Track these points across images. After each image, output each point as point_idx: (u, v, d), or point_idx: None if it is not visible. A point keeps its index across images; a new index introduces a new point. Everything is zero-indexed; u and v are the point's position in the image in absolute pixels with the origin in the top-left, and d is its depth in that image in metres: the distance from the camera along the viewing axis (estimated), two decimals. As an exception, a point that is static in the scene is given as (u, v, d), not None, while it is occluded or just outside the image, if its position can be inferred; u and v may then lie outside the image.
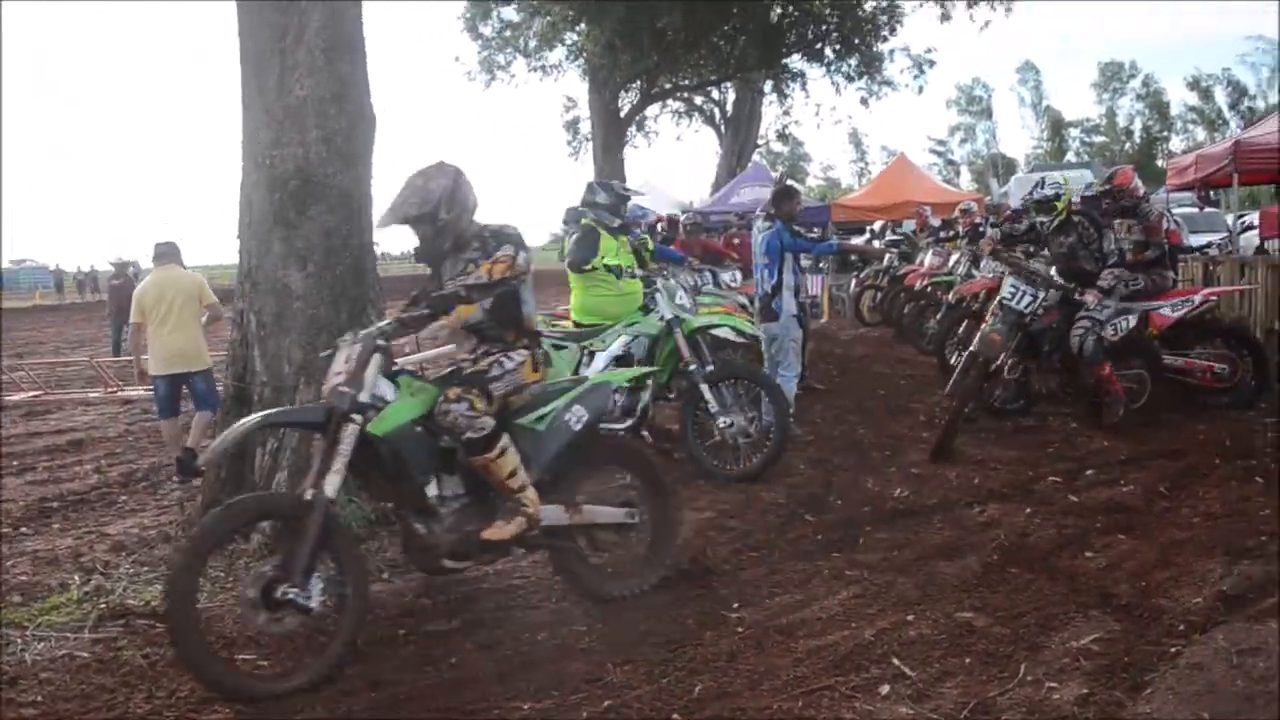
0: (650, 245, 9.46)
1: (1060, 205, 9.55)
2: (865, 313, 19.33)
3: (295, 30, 6.46)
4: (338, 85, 6.58)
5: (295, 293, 6.54)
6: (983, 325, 9.08)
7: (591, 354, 8.41)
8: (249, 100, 6.65)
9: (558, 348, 8.48)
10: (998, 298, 8.98)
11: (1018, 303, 8.77)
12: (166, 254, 9.43)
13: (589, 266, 8.48)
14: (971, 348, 8.78)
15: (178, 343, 9.05)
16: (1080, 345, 8.85)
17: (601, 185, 9.02)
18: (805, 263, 10.46)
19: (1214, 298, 9.94)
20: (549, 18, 25.64)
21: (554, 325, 9.52)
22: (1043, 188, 9.80)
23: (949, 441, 8.42)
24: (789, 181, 13.77)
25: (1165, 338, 9.61)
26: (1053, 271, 9.31)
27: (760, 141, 39.70)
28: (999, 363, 8.87)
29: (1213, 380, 9.52)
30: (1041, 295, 8.82)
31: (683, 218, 17.71)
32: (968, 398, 8.79)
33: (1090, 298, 8.93)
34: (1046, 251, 10.02)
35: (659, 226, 16.78)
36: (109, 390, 14.65)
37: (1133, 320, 9.13)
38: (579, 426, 5.33)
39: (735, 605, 5.32)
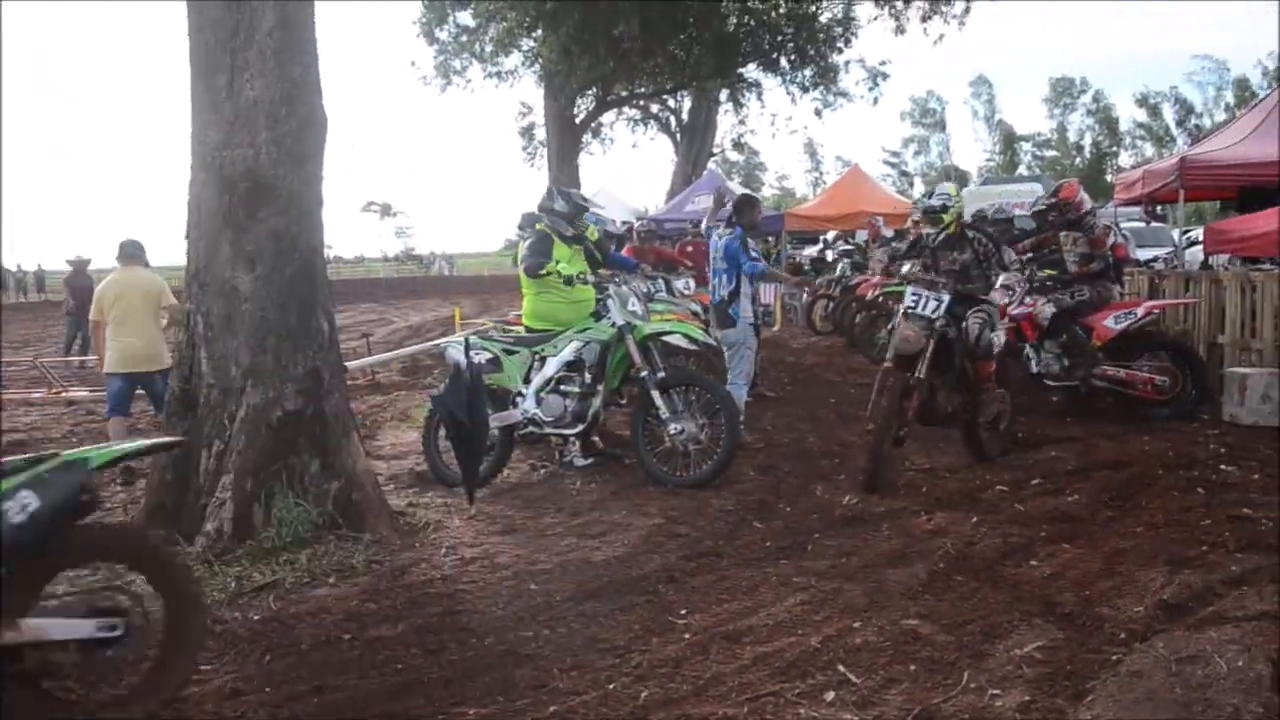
0: (594, 236, 9.32)
1: (948, 218, 8.76)
2: (817, 321, 19.45)
3: (246, 30, 6.39)
4: (289, 87, 6.52)
5: (244, 295, 6.46)
6: (893, 332, 8.55)
7: (543, 359, 8.42)
8: (198, 100, 6.57)
9: (509, 353, 8.50)
10: (902, 307, 8.51)
11: (923, 308, 8.16)
12: (131, 254, 9.44)
13: (543, 272, 8.46)
14: (885, 361, 8.41)
15: (136, 343, 9.04)
16: (978, 335, 8.23)
17: (561, 193, 9.01)
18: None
19: (1156, 310, 10.10)
20: (505, 23, 25.57)
21: (506, 330, 9.51)
22: (930, 198, 9.11)
23: (881, 472, 7.76)
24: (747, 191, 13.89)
25: (1109, 349, 9.77)
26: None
27: (716, 150, 39.92)
28: (919, 375, 8.07)
29: (1154, 392, 9.69)
30: (946, 299, 8.16)
31: (636, 225, 17.72)
32: (890, 420, 7.95)
33: (998, 294, 8.66)
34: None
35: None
36: (53, 391, 14.46)
37: (1003, 337, 8.80)
38: (19, 519, 3.89)
39: (683, 612, 5.33)
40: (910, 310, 8.24)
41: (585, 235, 9.10)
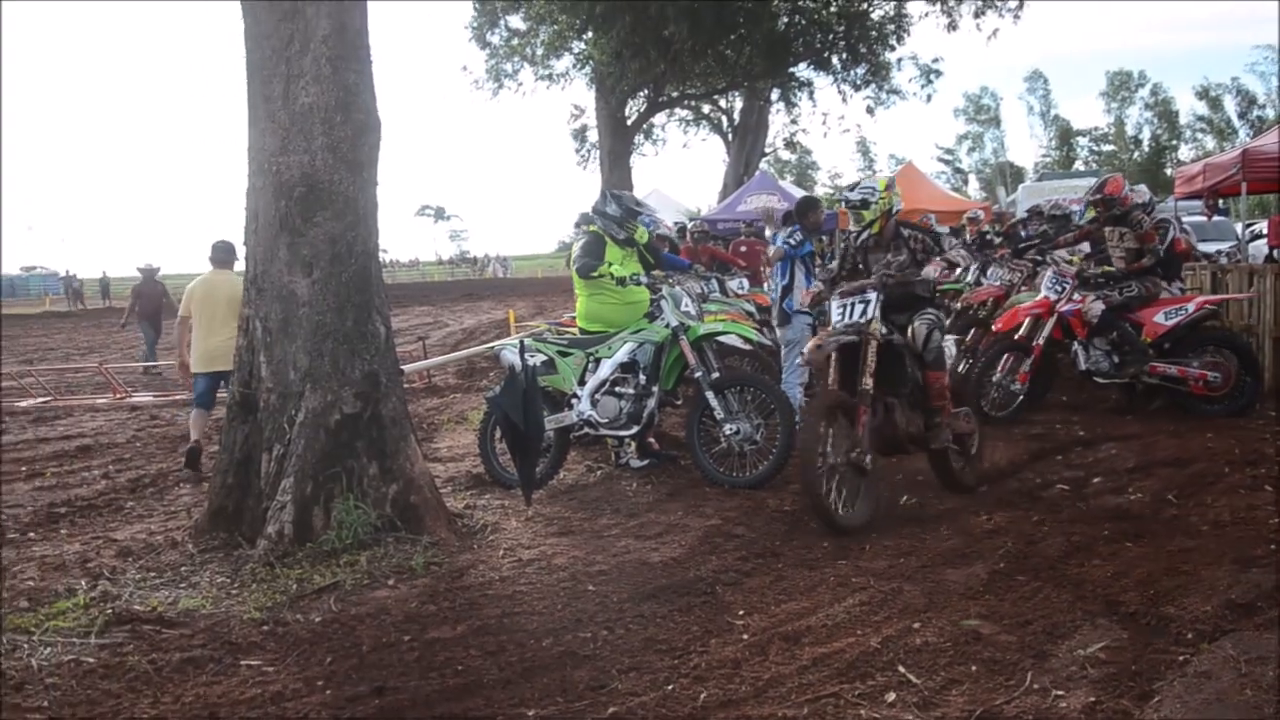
0: (644, 239, 9.32)
1: (869, 215, 7.50)
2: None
3: (301, 38, 6.47)
4: (343, 93, 6.58)
5: (301, 299, 6.54)
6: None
7: (597, 361, 8.43)
8: (255, 108, 6.66)
9: (563, 355, 8.52)
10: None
11: (851, 316, 7.06)
12: (223, 257, 9.78)
13: (595, 274, 8.48)
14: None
15: (221, 343, 9.18)
16: (925, 339, 7.11)
17: (613, 195, 9.02)
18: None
19: (1208, 306, 9.94)
20: (556, 26, 25.66)
21: (560, 332, 9.54)
22: (852, 190, 7.77)
23: (825, 512, 6.60)
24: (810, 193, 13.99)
25: (1160, 345, 9.64)
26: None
27: (768, 149, 39.74)
28: (864, 388, 6.91)
29: (1206, 388, 9.54)
30: (873, 297, 7.06)
31: (689, 225, 17.70)
32: (813, 448, 6.59)
33: (931, 269, 7.34)
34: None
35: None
36: (117, 396, 14.70)
37: (953, 349, 8.10)
38: None
39: (741, 612, 5.31)
40: (838, 326, 7.15)
41: (635, 239, 9.11)
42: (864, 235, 7.68)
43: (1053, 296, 10.06)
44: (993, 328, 10.80)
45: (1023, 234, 14.70)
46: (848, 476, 6.80)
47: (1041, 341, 9.93)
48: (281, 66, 6.52)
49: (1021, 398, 9.88)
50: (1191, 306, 9.76)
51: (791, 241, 10.00)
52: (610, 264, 8.51)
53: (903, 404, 7.19)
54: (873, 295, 7.06)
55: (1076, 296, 9.96)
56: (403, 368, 8.48)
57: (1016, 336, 10.14)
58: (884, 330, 7.02)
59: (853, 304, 7.09)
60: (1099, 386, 10.30)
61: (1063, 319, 9.94)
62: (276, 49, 6.53)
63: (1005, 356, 10.06)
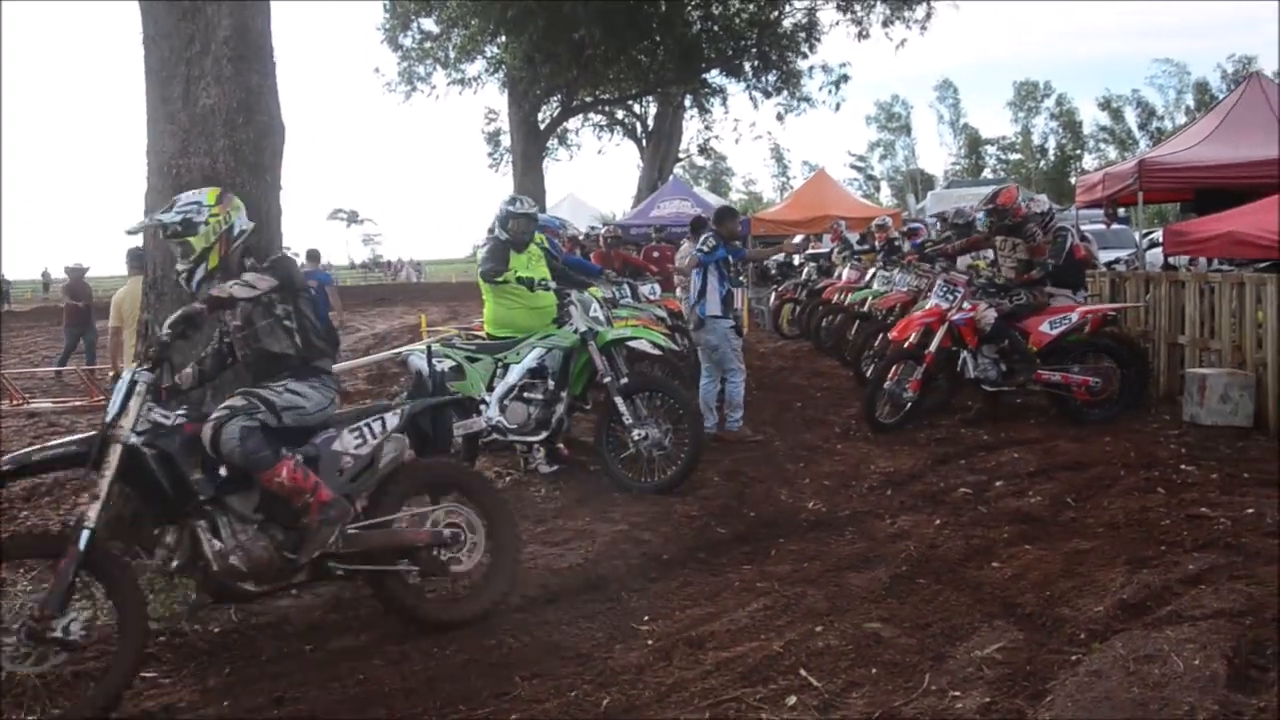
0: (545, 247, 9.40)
1: (198, 244, 5.18)
2: (784, 325, 19.49)
3: (202, 39, 6.35)
4: (246, 95, 6.48)
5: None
6: None
7: (506, 367, 8.39)
8: (154, 108, 6.52)
9: (472, 360, 8.47)
10: None
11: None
12: (138, 264, 9.33)
13: (500, 279, 8.44)
14: None
15: None
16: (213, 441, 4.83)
17: (512, 204, 8.94)
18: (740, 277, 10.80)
19: (1090, 315, 10.15)
20: (468, 30, 25.50)
21: (470, 337, 9.49)
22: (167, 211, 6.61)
23: None
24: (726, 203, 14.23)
25: (1044, 353, 9.83)
26: None
27: (682, 155, 39.99)
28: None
29: (1087, 394, 9.76)
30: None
31: (602, 230, 17.73)
32: None
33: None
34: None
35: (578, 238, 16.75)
36: (14, 403, 14.30)
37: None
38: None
39: (645, 618, 5.33)
40: None
41: (555, 243, 9.12)
42: (198, 276, 5.23)
43: (944, 305, 10.15)
44: (889, 336, 10.94)
45: (909, 242, 14.99)
46: None
47: (933, 349, 9.96)
48: (181, 67, 6.40)
49: (910, 405, 9.97)
50: (1075, 316, 9.98)
51: (704, 248, 10.08)
52: (514, 269, 8.49)
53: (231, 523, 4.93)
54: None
55: (967, 305, 10.04)
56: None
57: (907, 345, 10.25)
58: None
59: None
60: (981, 395, 10.47)
61: (954, 327, 10.01)
62: (176, 49, 6.41)
63: (896, 365, 10.20)
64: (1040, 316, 10.00)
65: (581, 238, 14.45)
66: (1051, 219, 10.58)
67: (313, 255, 18.67)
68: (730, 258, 10.28)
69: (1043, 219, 10.39)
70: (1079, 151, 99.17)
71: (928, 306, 10.52)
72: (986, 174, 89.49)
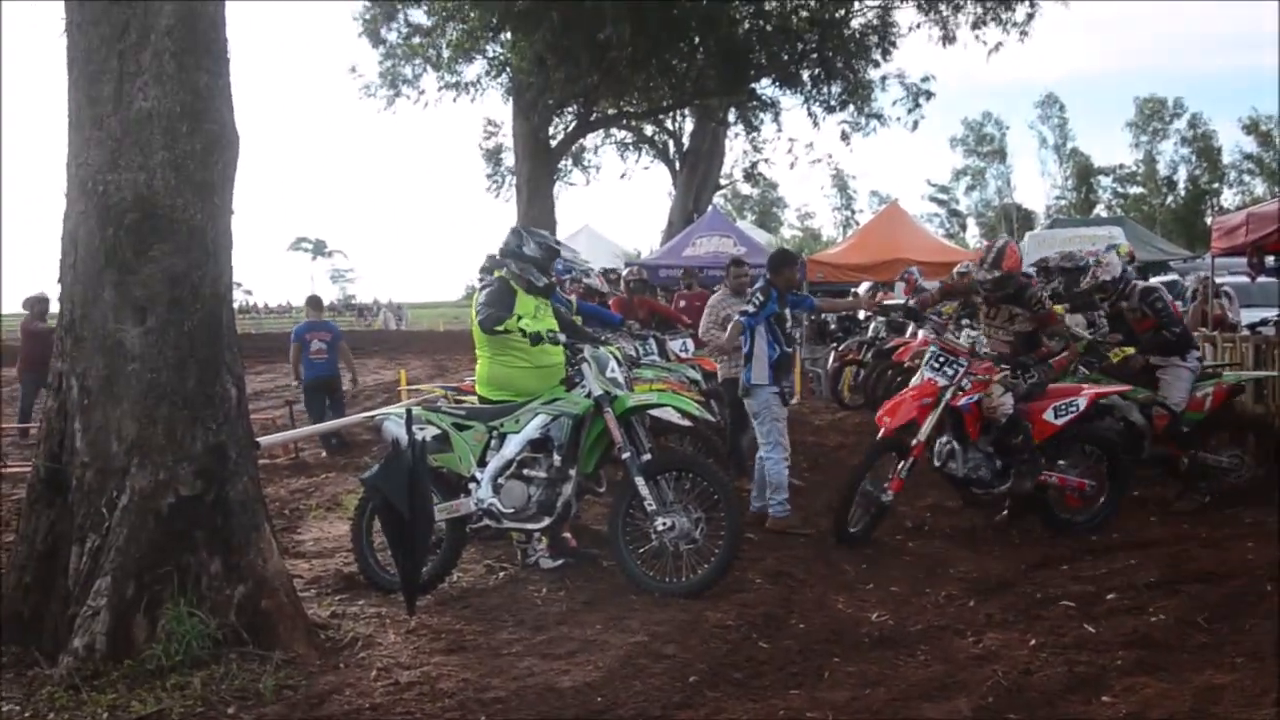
0: (574, 308, 9.54)
1: None
2: (845, 393, 19.44)
3: (139, 28, 6.40)
4: (191, 98, 6.53)
5: (130, 351, 6.43)
6: None
7: (502, 437, 8.36)
8: (78, 112, 6.56)
9: (460, 428, 8.47)
10: None
11: None
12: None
13: (500, 328, 8.41)
14: None
15: None
16: None
17: (530, 233, 9.00)
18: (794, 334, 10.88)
19: (1101, 399, 10.02)
20: (466, 24, 25.70)
21: (458, 400, 9.50)
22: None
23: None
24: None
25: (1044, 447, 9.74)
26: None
27: (723, 181, 40.24)
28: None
29: (1077, 499, 9.80)
30: None
31: (624, 272, 17.77)
32: None
33: None
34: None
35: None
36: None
37: None
38: None
39: (667, 754, 5.28)
40: None
41: (556, 288, 9.14)
42: None
43: (941, 381, 9.65)
44: (878, 420, 10.14)
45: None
46: None
47: (923, 438, 9.54)
48: (113, 61, 6.45)
49: (882, 510, 9.65)
50: (1083, 402, 9.78)
51: (750, 308, 10.12)
52: (520, 317, 8.47)
53: None
54: None
55: (968, 383, 9.63)
56: (259, 439, 8.39)
57: (882, 433, 9.80)
58: None
59: None
60: (973, 498, 10.33)
61: (954, 413, 9.64)
62: (106, 39, 6.45)
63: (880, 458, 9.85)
64: (1045, 401, 9.81)
65: (600, 286, 14.38)
66: (1127, 287, 10.55)
67: (314, 303, 18.53)
68: (789, 311, 10.29)
69: (1111, 287, 10.36)
70: (1217, 185, 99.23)
71: (918, 384, 9.99)
72: (1100, 211, 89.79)
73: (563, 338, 8.56)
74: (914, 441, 9.53)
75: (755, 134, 35.39)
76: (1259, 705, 5.68)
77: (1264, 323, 18.44)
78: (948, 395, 9.51)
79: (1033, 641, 6.80)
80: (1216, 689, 5.94)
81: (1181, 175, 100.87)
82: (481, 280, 9.76)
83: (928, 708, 5.79)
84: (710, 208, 32.48)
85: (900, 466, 9.49)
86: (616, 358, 8.79)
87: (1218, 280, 15.50)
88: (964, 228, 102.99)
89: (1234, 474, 10.66)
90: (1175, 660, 6.45)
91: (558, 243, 9.24)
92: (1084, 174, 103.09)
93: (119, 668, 6.10)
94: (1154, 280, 29.56)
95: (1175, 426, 9.93)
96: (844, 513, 9.48)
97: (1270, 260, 19.11)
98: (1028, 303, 10.04)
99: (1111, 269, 10.61)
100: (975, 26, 27.99)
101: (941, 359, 9.67)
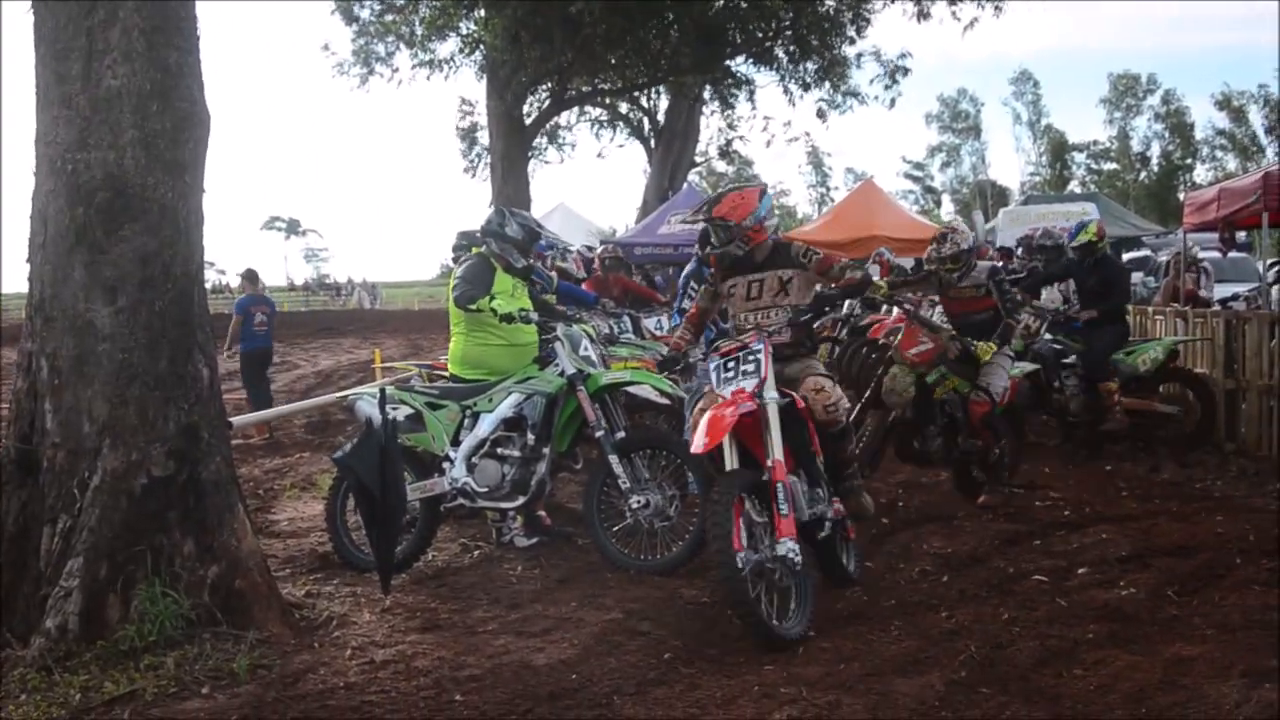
0: (554, 285, 9.60)
1: None
2: (820, 372, 19.41)
3: (107, 4, 6.35)
4: (161, 75, 6.50)
5: (101, 332, 6.41)
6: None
7: (475, 416, 8.37)
8: (46, 90, 6.52)
9: (434, 407, 8.46)
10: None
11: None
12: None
13: (474, 306, 8.38)
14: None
15: None
16: None
17: (513, 214, 8.97)
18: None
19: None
20: (439, 1, 25.60)
21: (432, 378, 9.49)
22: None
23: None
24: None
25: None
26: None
27: (698, 159, 40.16)
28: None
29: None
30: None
31: (599, 250, 17.73)
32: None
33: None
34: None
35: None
36: None
37: None
38: None
39: (641, 730, 5.30)
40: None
41: (538, 267, 9.16)
42: None
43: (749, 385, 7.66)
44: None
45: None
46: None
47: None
48: (81, 39, 6.41)
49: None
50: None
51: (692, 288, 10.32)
52: (494, 296, 8.44)
53: None
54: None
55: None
56: (232, 419, 8.38)
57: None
58: None
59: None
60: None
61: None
62: (74, 16, 6.41)
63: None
64: None
65: (573, 269, 14.32)
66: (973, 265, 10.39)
67: (250, 276, 18.47)
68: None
69: (966, 259, 10.28)
70: (1190, 161, 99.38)
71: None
72: (1073, 187, 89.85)
73: (535, 316, 8.56)
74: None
75: (730, 111, 35.37)
76: (1227, 676, 5.69)
77: (1235, 298, 18.54)
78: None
79: (1005, 616, 6.81)
80: (1186, 660, 5.95)
81: (1155, 151, 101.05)
82: (455, 257, 9.74)
83: (901, 682, 5.80)
84: (685, 185, 32.54)
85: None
86: (590, 335, 8.76)
87: (1198, 255, 15.56)
88: (939, 203, 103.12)
89: (1177, 422, 11.86)
90: (1145, 633, 6.46)
91: (539, 225, 9.22)
92: (1058, 150, 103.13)
93: (91, 648, 6.09)
94: (1126, 256, 29.79)
95: (991, 415, 9.79)
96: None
97: (1241, 235, 19.22)
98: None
99: (965, 239, 10.40)
100: (951, 1, 27.97)
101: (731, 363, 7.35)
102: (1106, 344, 11.76)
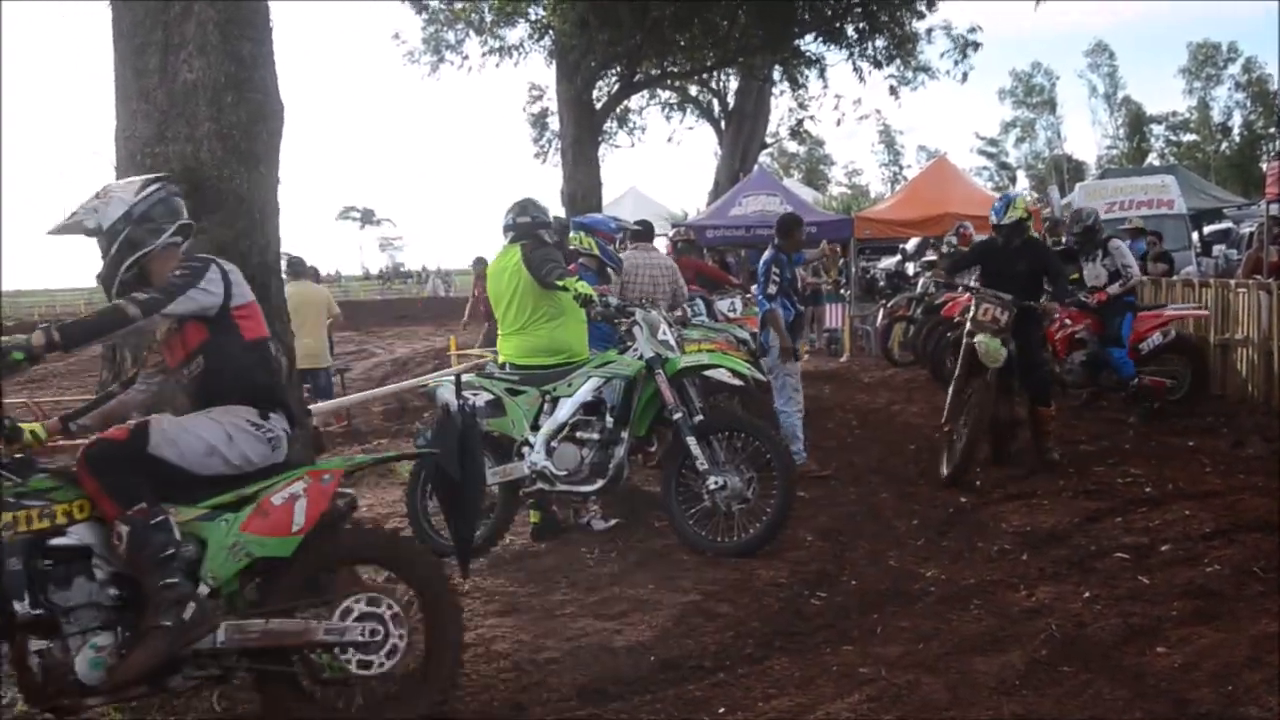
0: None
1: None
2: (895, 349, 19.34)
3: (183, 0, 6.48)
4: (236, 68, 6.59)
5: (180, 322, 6.50)
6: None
7: (555, 401, 8.37)
8: (125, 85, 6.62)
9: (513, 393, 8.46)
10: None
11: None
12: (300, 270, 14.66)
13: (561, 284, 8.24)
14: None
15: (309, 343, 13.26)
16: None
17: (539, 207, 9.03)
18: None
19: None
20: (508, -13, 25.62)
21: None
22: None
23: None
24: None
25: None
26: None
27: (769, 140, 39.91)
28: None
29: None
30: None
31: (671, 233, 17.72)
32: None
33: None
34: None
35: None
36: None
37: None
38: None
39: (721, 710, 5.32)
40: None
41: (610, 250, 9.33)
42: None
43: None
44: None
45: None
46: None
47: None
48: (158, 33, 6.50)
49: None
50: None
51: (773, 290, 10.66)
52: (577, 278, 8.50)
53: None
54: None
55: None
56: (310, 407, 8.46)
57: None
58: None
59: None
60: None
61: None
62: (152, 11, 6.51)
63: None
64: None
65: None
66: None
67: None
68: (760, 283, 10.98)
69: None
70: (1273, 130, 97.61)
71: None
72: (1152, 159, 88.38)
73: (615, 301, 8.53)
74: None
75: (800, 91, 35.06)
76: (1316, 653, 5.67)
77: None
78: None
79: (1086, 594, 6.78)
80: (1272, 638, 5.91)
81: (1236, 121, 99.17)
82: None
83: (980, 661, 5.80)
84: (756, 167, 32.30)
85: None
86: (667, 320, 8.76)
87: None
88: (1014, 180, 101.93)
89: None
90: (1231, 609, 6.42)
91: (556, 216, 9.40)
92: (1136, 122, 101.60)
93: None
94: (1207, 228, 29.34)
95: None
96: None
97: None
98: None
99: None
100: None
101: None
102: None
